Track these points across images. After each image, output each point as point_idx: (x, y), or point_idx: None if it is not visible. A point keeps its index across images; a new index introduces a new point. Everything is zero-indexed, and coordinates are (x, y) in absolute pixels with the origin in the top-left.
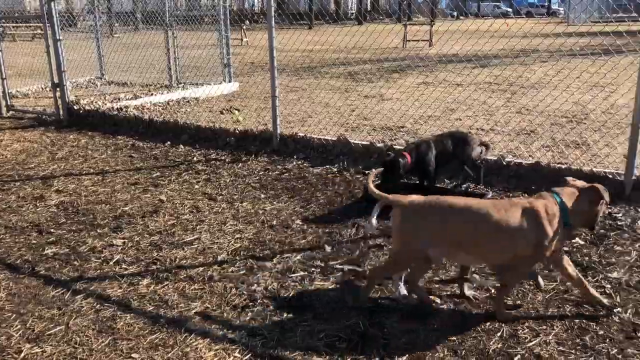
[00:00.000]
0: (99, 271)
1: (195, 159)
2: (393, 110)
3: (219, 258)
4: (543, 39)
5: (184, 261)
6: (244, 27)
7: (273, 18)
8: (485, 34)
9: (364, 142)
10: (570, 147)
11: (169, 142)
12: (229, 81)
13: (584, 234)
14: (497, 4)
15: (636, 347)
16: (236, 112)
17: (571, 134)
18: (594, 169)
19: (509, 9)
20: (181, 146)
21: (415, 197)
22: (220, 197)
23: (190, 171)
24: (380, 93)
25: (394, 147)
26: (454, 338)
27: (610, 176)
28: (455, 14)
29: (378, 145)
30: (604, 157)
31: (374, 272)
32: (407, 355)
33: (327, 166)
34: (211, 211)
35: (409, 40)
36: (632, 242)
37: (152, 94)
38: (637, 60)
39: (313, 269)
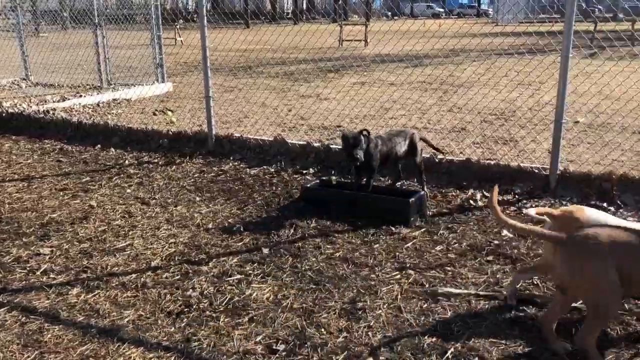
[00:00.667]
0: (24, 282)
1: (127, 162)
2: (330, 110)
3: (153, 264)
4: (472, 39)
5: (116, 268)
6: (178, 27)
7: (205, 17)
8: (418, 34)
9: (301, 142)
10: (499, 144)
11: (99, 146)
12: (162, 81)
13: None
14: (430, 4)
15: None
16: (170, 113)
17: (499, 130)
18: (521, 164)
19: (441, 9)
20: (112, 149)
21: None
22: (154, 201)
23: (122, 175)
24: (317, 93)
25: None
26: (390, 334)
27: (536, 171)
28: (389, 14)
29: (315, 145)
30: (531, 153)
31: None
32: (344, 354)
33: (264, 167)
34: (144, 216)
35: (345, 40)
36: None
37: (81, 96)
38: (558, 60)
39: (250, 272)
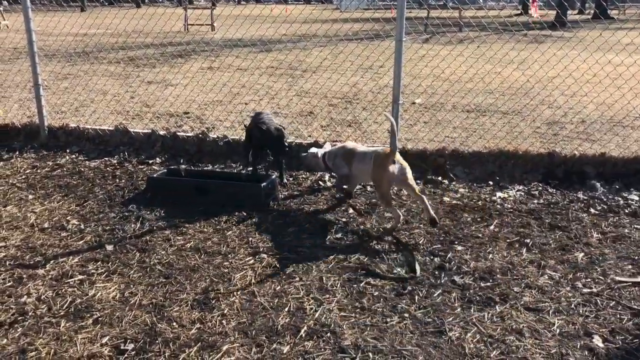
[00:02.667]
0: None
1: None
2: (176, 96)
3: None
4: (315, 24)
5: None
6: (1, 9)
7: None
8: (263, 19)
9: (145, 131)
10: (344, 126)
11: None
12: None
13: (358, 205)
14: None
15: (405, 302)
16: None
17: (343, 113)
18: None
19: None
20: None
21: None
22: None
23: None
24: (163, 78)
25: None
26: (244, 320)
27: None
28: None
29: (161, 133)
30: (373, 133)
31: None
32: (198, 345)
33: (106, 158)
34: None
35: (191, 25)
36: (398, 208)
37: None
38: (394, 45)
39: (93, 271)
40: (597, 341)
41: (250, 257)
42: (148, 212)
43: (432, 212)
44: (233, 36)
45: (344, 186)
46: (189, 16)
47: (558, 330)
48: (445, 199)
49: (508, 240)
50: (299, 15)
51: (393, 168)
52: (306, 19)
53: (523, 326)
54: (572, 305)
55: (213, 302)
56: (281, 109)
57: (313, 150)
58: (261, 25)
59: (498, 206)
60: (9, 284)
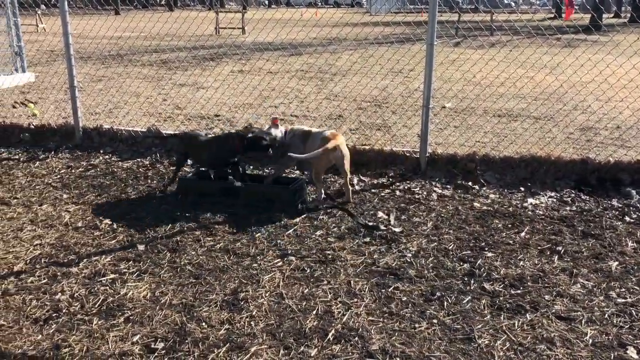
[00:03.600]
0: None
1: None
2: (207, 99)
3: (16, 268)
4: (346, 28)
5: None
6: (39, 12)
7: (65, 1)
8: (298, 23)
9: (177, 132)
10: (373, 129)
11: None
12: (23, 71)
13: (387, 208)
14: None
15: (434, 308)
16: (31, 105)
17: (373, 117)
18: (394, 149)
19: None
20: None
21: None
22: (15, 200)
23: None
24: (194, 81)
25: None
26: (272, 322)
27: (407, 154)
28: (266, 2)
29: None
30: (402, 137)
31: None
32: (227, 346)
33: (138, 159)
34: (4, 217)
35: (222, 28)
36: (428, 213)
37: None
38: (424, 48)
39: (125, 270)
40: (632, 353)
41: (279, 260)
42: (179, 213)
43: (350, 196)
44: (262, 40)
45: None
46: (221, 20)
47: (591, 341)
48: (476, 204)
49: (539, 248)
50: (330, 18)
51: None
52: (337, 23)
53: (554, 335)
54: (606, 315)
55: (242, 303)
56: (310, 112)
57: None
58: (292, 29)
59: (529, 212)
60: (44, 281)
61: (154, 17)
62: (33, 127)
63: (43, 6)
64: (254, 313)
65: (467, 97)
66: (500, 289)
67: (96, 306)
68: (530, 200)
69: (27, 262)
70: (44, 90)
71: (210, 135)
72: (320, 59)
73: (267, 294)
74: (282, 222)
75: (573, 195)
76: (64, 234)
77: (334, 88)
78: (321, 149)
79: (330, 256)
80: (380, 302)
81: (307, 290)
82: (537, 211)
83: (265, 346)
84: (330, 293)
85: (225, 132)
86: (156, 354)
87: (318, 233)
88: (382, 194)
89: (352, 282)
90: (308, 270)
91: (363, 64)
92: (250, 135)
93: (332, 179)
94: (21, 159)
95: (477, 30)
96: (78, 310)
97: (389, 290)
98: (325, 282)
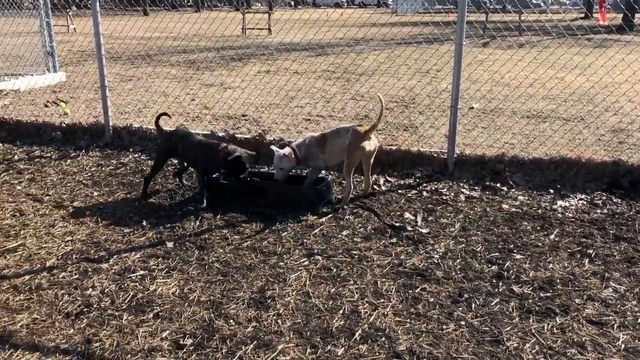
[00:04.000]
0: None
1: (16, 157)
2: (234, 99)
3: (48, 264)
4: (372, 28)
5: (7, 270)
6: (70, 13)
7: (97, 2)
8: (325, 24)
9: (205, 132)
10: (400, 130)
11: None
12: (55, 71)
13: (414, 209)
14: None
15: (461, 310)
16: (63, 104)
17: (400, 117)
18: (421, 149)
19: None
20: None
21: None
22: (47, 197)
23: (11, 171)
24: (221, 81)
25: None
26: (299, 320)
27: (435, 155)
28: (292, 2)
29: (220, 134)
30: (429, 138)
31: None
32: (254, 343)
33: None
34: (37, 214)
35: (249, 29)
36: (456, 214)
37: None
38: (453, 48)
39: (154, 267)
40: None
41: (305, 259)
42: (207, 211)
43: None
44: (288, 40)
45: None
46: (247, 21)
47: (623, 346)
48: (504, 206)
49: (569, 251)
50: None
51: (367, 143)
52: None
53: (585, 339)
54: (639, 320)
55: (269, 301)
56: (336, 112)
57: (279, 150)
58: (319, 30)
59: (559, 215)
60: (76, 276)
61: (182, 18)
62: (65, 125)
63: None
64: (280, 311)
65: (495, 98)
66: (529, 292)
67: (126, 302)
68: (560, 202)
69: (59, 257)
70: (74, 89)
71: (200, 137)
72: (346, 59)
73: (293, 293)
74: (308, 221)
75: (604, 197)
76: (94, 230)
77: (360, 88)
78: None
79: (356, 256)
80: (407, 303)
81: (333, 289)
82: (567, 214)
83: (292, 344)
84: (356, 293)
85: (212, 142)
86: (184, 349)
87: (344, 233)
88: (409, 195)
89: (378, 282)
90: (334, 270)
91: (390, 64)
92: (233, 155)
93: (358, 180)
94: (53, 157)
95: (506, 31)
96: (108, 306)
97: (416, 291)
98: (352, 282)
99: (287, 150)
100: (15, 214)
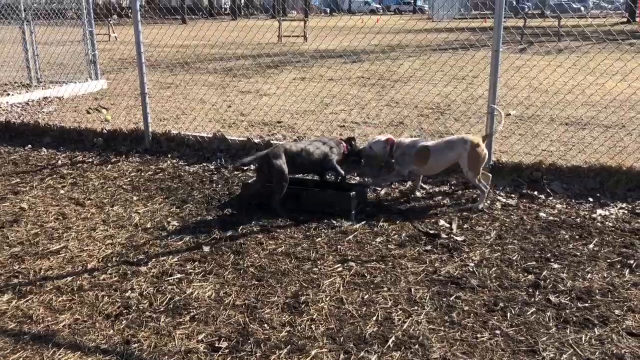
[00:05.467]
0: None
1: (59, 162)
2: (270, 106)
3: (89, 266)
4: (408, 35)
5: (50, 272)
6: (112, 22)
7: (139, 12)
8: (356, 30)
9: (241, 138)
10: (435, 136)
11: (29, 146)
12: (96, 79)
13: (449, 216)
14: (367, 1)
15: (496, 319)
16: (104, 111)
17: (435, 124)
18: None
19: (379, 6)
20: (44, 149)
21: None
22: (89, 201)
23: (55, 175)
24: (257, 88)
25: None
26: (332, 326)
27: None
28: (327, 10)
29: (256, 140)
30: None
31: None
32: (288, 348)
33: (204, 164)
34: (79, 217)
35: (285, 36)
36: (492, 222)
37: (8, 94)
38: (489, 54)
39: (191, 271)
40: None
41: (339, 265)
42: (242, 216)
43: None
44: (323, 47)
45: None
46: (284, 28)
47: None
48: (542, 214)
49: (609, 260)
50: (393, 26)
51: (484, 151)
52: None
53: (625, 352)
54: None
55: (302, 306)
56: (371, 119)
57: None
58: (354, 37)
59: (598, 224)
60: (115, 279)
61: (219, 27)
62: (106, 131)
63: (115, 16)
64: (314, 316)
65: (532, 105)
66: (567, 302)
67: (163, 304)
68: (599, 211)
69: (100, 260)
70: (115, 96)
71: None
72: (381, 66)
73: (327, 298)
74: (342, 227)
75: None
76: (133, 234)
77: (395, 95)
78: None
79: (390, 263)
80: (442, 311)
81: (367, 296)
82: (607, 223)
83: (326, 350)
84: (390, 300)
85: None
86: (220, 352)
87: (378, 240)
88: (445, 202)
89: (412, 289)
90: (368, 277)
91: (425, 71)
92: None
93: (394, 186)
94: (95, 162)
95: (544, 36)
96: (147, 308)
97: (451, 299)
98: (386, 288)
99: (386, 136)
100: (58, 217)
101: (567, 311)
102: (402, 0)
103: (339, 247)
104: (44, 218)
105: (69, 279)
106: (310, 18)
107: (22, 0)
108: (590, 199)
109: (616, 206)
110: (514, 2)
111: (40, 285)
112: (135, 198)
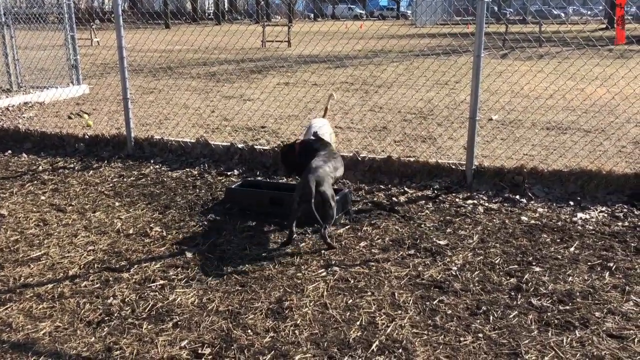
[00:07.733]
0: None
1: (40, 168)
2: (253, 110)
3: (71, 273)
4: (391, 40)
5: (30, 279)
6: (94, 27)
7: (121, 17)
8: (344, 36)
9: (224, 143)
10: (418, 141)
11: (9, 152)
12: (78, 84)
13: (432, 221)
14: (351, 6)
15: (479, 322)
16: (86, 116)
17: (418, 129)
18: (439, 161)
19: (362, 11)
20: (24, 155)
21: None
22: (70, 207)
23: (35, 181)
24: (241, 93)
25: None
26: (316, 331)
27: (453, 167)
28: (311, 15)
29: (239, 146)
30: (448, 149)
31: None
32: (272, 353)
33: (187, 169)
34: (60, 223)
35: (268, 41)
36: (474, 226)
37: None
38: (471, 60)
39: (174, 277)
40: None
41: (323, 270)
42: (226, 222)
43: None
44: (307, 52)
45: None
46: (267, 33)
47: None
48: (523, 218)
49: (589, 263)
50: (376, 31)
51: None
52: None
53: (605, 353)
54: None
55: (286, 311)
56: (355, 124)
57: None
58: (337, 42)
59: (579, 227)
60: (97, 285)
61: (203, 31)
62: (87, 137)
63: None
64: (298, 322)
65: (514, 110)
66: (548, 305)
67: (146, 311)
68: (580, 214)
69: (81, 267)
70: (97, 101)
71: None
72: (365, 71)
73: (311, 304)
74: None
75: (625, 210)
76: (116, 240)
77: (378, 100)
78: None
79: (374, 267)
80: (425, 315)
81: (350, 300)
82: (587, 226)
83: (310, 355)
84: (374, 304)
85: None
86: (203, 359)
87: (362, 244)
88: (427, 206)
89: (396, 293)
90: (352, 281)
91: (408, 76)
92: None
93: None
94: (76, 168)
95: (525, 42)
96: (129, 315)
97: (434, 303)
98: (369, 293)
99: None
100: (39, 223)
101: (549, 314)
102: (385, 5)
103: (323, 252)
104: (24, 224)
105: (50, 286)
106: (294, 23)
107: (2, 4)
108: (571, 203)
109: (596, 210)
110: (496, 9)
111: (20, 292)
112: (117, 204)
